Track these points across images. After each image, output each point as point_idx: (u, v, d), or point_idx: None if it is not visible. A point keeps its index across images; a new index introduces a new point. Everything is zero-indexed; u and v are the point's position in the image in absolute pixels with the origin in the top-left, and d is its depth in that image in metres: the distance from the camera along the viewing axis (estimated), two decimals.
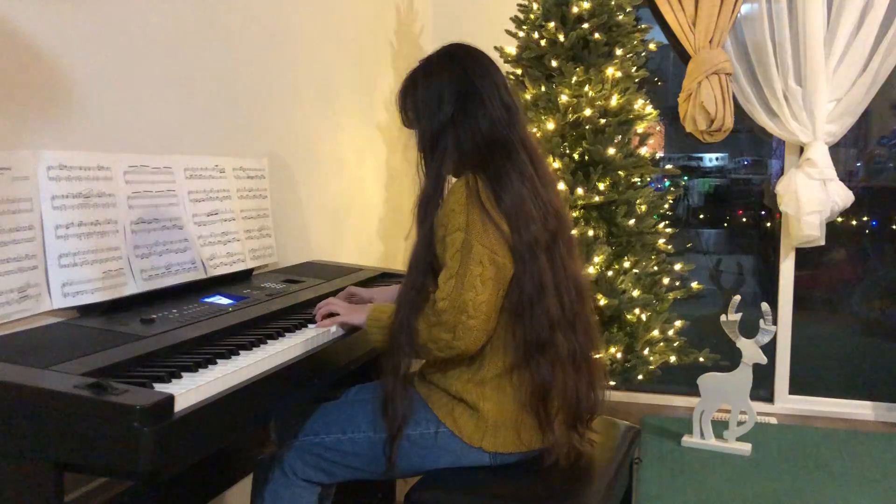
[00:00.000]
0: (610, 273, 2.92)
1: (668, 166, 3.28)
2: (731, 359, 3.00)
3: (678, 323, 3.11)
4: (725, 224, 4.05)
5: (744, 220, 4.00)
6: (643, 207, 3.02)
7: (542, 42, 2.99)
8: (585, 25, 2.92)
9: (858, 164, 3.73)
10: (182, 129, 1.93)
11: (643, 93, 3.04)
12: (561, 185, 2.88)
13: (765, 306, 2.89)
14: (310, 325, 1.64)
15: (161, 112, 1.85)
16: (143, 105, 1.79)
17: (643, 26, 3.07)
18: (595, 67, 2.95)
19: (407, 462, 1.55)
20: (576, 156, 3.01)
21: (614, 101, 2.94)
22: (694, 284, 3.15)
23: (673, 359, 3.03)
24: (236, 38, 2.16)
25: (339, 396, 1.73)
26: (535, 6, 3.03)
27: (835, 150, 3.32)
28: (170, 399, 1.07)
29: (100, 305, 1.52)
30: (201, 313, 1.57)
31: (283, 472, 1.63)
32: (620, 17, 2.96)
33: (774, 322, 3.00)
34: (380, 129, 3.18)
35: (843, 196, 3.25)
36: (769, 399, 3.58)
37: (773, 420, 3.42)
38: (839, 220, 3.44)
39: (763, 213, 3.89)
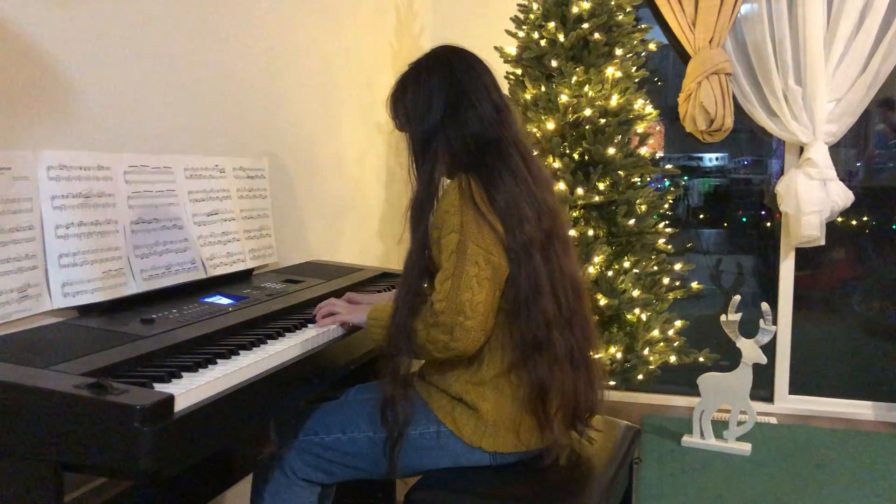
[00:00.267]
0: (610, 273, 2.92)
1: (668, 166, 3.28)
2: (731, 359, 3.00)
3: (678, 323, 3.11)
4: (725, 224, 4.05)
5: (744, 220, 4.00)
6: (643, 207, 3.02)
7: (542, 42, 2.99)
8: (585, 25, 2.92)
9: (858, 164, 3.73)
10: (182, 129, 1.93)
11: (643, 93, 3.04)
12: (561, 185, 2.88)
13: (765, 306, 2.89)
14: (310, 325, 1.64)
15: (161, 112, 1.85)
16: (143, 105, 1.79)
17: (643, 26, 3.07)
18: (595, 67, 2.95)
19: (407, 462, 1.55)
20: (576, 156, 3.01)
21: (614, 101, 2.94)
22: (694, 284, 3.15)
23: (673, 359, 3.03)
24: (236, 39, 2.16)
25: (338, 396, 1.73)
26: (535, 6, 3.03)
27: (835, 150, 3.32)
28: (170, 399, 1.07)
29: (100, 305, 1.52)
30: (201, 313, 1.57)
31: (283, 472, 1.63)
32: (620, 17, 2.96)
33: (774, 322, 3.00)
34: (380, 129, 3.18)
35: (843, 196, 3.25)
36: (769, 399, 3.59)
37: (773, 420, 3.42)
38: (839, 220, 3.44)
39: (763, 213, 3.89)
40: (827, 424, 3.38)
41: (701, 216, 4.05)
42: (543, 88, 2.99)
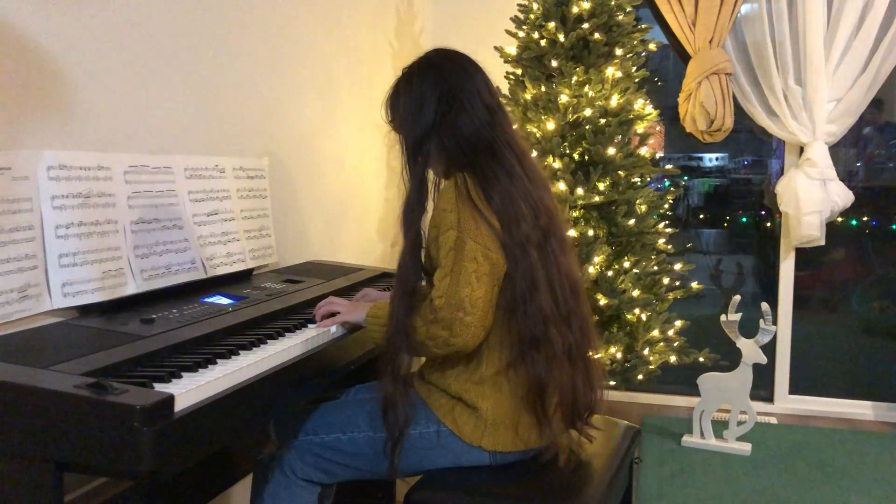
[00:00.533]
0: (610, 273, 2.91)
1: (668, 166, 3.28)
2: (731, 359, 3.00)
3: (678, 323, 3.10)
4: (725, 224, 4.05)
5: (744, 220, 4.00)
6: (643, 207, 3.02)
7: (542, 42, 2.99)
8: (585, 25, 2.92)
9: (858, 164, 3.73)
10: (182, 129, 1.93)
11: (643, 93, 3.04)
12: (561, 185, 2.88)
13: (765, 306, 2.89)
14: (310, 325, 1.64)
15: (161, 112, 1.85)
16: (143, 105, 1.79)
17: (643, 26, 3.07)
18: (595, 67, 2.95)
19: (407, 462, 1.55)
20: (576, 156, 3.01)
21: (614, 101, 2.94)
22: (694, 284, 3.15)
23: (673, 359, 3.03)
24: (236, 38, 2.16)
25: (339, 396, 1.73)
26: (535, 6, 3.03)
27: (835, 150, 3.32)
28: (170, 399, 1.07)
29: (100, 305, 1.52)
30: (201, 313, 1.57)
31: (283, 472, 1.63)
32: (620, 17, 2.96)
33: (774, 322, 3.00)
34: (380, 129, 3.17)
35: (843, 196, 3.25)
36: (769, 399, 3.58)
37: (773, 420, 3.42)
38: (839, 220, 3.44)
39: (763, 213, 3.89)
40: (827, 424, 3.37)
41: (701, 216, 4.05)
42: (543, 88, 2.99)
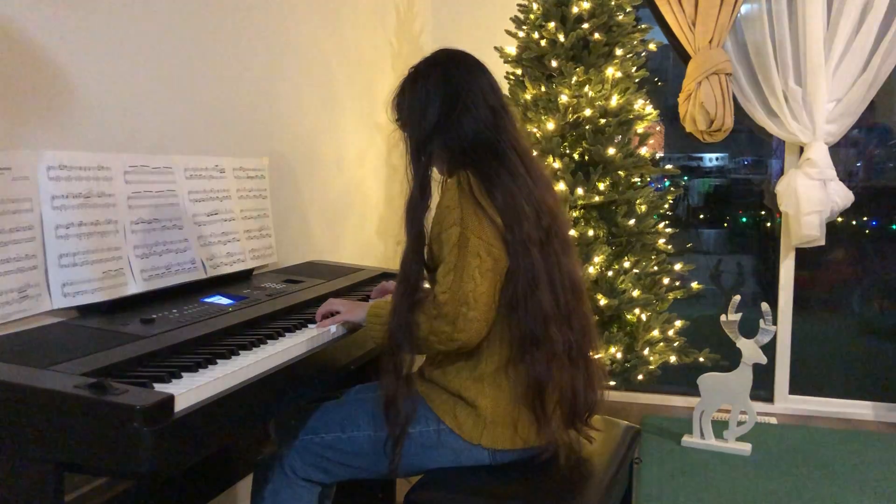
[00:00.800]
0: (610, 273, 2.92)
1: (668, 166, 3.28)
2: (731, 359, 3.00)
3: (678, 323, 3.10)
4: (725, 224, 4.05)
5: (744, 220, 4.00)
6: (643, 207, 3.02)
7: (542, 42, 2.99)
8: (585, 25, 2.92)
9: (858, 165, 3.73)
10: (182, 129, 1.93)
11: (643, 93, 3.04)
12: (561, 185, 2.88)
13: (765, 306, 2.89)
14: (310, 325, 1.64)
15: (161, 112, 1.85)
16: (143, 105, 1.79)
17: (643, 26, 3.07)
18: (595, 67, 2.95)
19: (407, 461, 1.55)
20: (576, 156, 3.01)
21: (614, 101, 2.94)
22: (694, 284, 3.15)
23: (673, 359, 3.03)
24: (236, 38, 2.16)
25: (339, 396, 1.73)
26: (535, 6, 3.03)
27: (835, 150, 3.32)
28: (170, 399, 1.07)
29: (100, 305, 1.52)
30: (201, 313, 1.57)
31: (284, 472, 1.64)
32: (620, 17, 2.96)
33: (774, 322, 3.00)
34: (380, 129, 3.18)
35: (843, 196, 3.25)
36: (769, 399, 3.58)
37: (773, 420, 3.42)
38: (839, 220, 3.44)
39: (763, 213, 3.89)
40: (827, 424, 3.38)
41: (701, 216, 4.05)
42: (543, 88, 2.99)
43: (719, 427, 3.06)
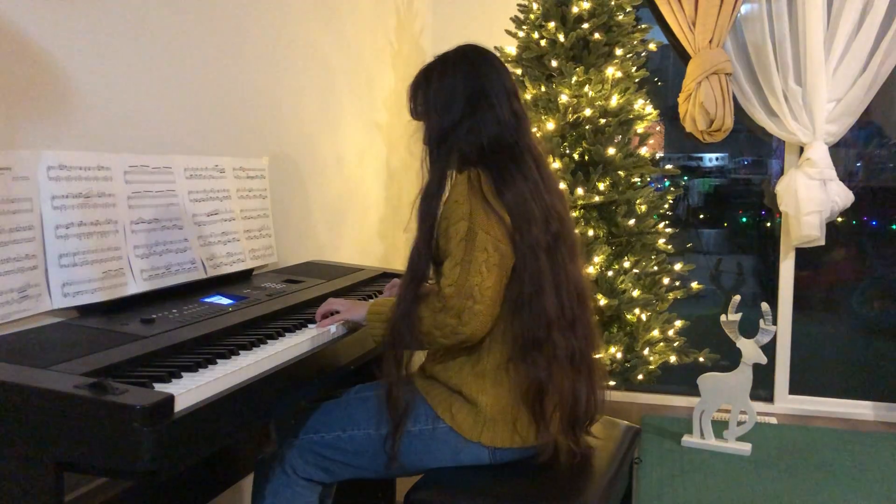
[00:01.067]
0: (610, 273, 2.92)
1: (668, 166, 3.28)
2: (731, 359, 3.00)
3: (678, 323, 3.11)
4: (725, 224, 4.05)
5: (744, 220, 4.00)
6: (643, 207, 3.02)
7: (542, 42, 2.99)
8: (585, 25, 2.92)
9: (858, 165, 3.73)
10: (182, 129, 1.93)
11: (643, 93, 3.04)
12: (561, 185, 2.88)
13: (765, 306, 2.89)
14: (310, 325, 1.64)
15: (161, 112, 1.85)
16: (143, 105, 1.79)
17: (643, 26, 3.07)
18: (595, 67, 2.95)
19: (406, 459, 1.55)
20: (576, 156, 3.01)
21: (614, 101, 2.94)
22: (694, 284, 3.15)
23: (673, 359, 3.03)
24: (236, 38, 2.16)
25: (339, 395, 1.73)
26: (535, 6, 3.03)
27: (835, 150, 3.32)
28: (170, 399, 1.07)
29: (100, 305, 1.52)
30: (201, 313, 1.57)
31: (284, 471, 1.64)
32: (620, 17, 2.96)
33: (774, 322, 3.00)
34: (380, 129, 3.18)
35: (843, 196, 3.25)
36: (769, 399, 3.58)
37: (773, 420, 3.42)
38: (839, 220, 3.44)
39: (763, 213, 3.89)
40: (827, 424, 3.38)
41: (701, 216, 4.05)
42: (543, 88, 2.99)
43: (719, 427, 3.06)
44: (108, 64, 1.67)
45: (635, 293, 2.92)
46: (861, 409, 3.49)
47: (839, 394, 3.56)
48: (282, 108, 2.41)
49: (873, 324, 3.82)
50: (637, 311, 2.96)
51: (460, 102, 1.53)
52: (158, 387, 1.16)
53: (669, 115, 3.57)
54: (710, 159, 4.01)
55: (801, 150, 3.32)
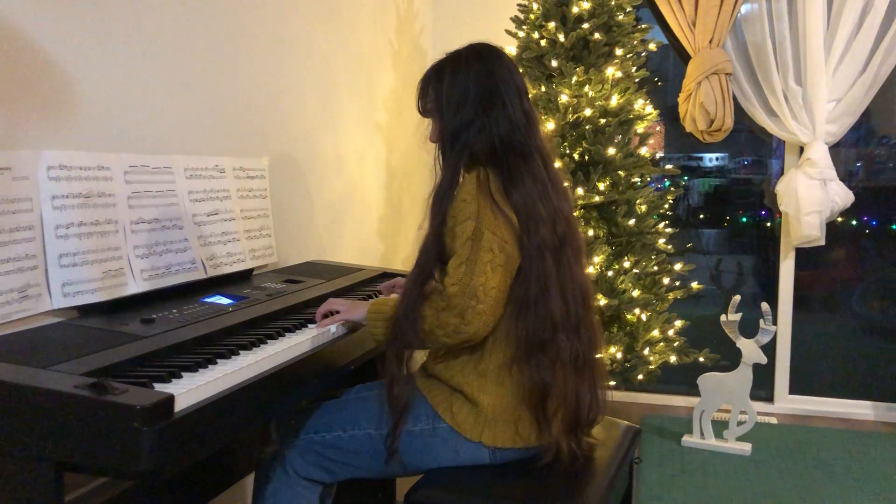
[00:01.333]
0: (610, 273, 2.92)
1: (668, 166, 3.28)
2: (731, 359, 3.00)
3: (678, 323, 3.11)
4: (725, 224, 4.05)
5: (744, 220, 4.00)
6: (643, 207, 3.02)
7: (542, 42, 2.99)
8: (585, 25, 2.92)
9: (858, 165, 3.73)
10: (182, 129, 1.93)
11: (643, 93, 3.04)
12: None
13: (765, 306, 2.89)
14: (310, 325, 1.64)
15: (161, 112, 1.85)
16: (143, 105, 1.79)
17: (643, 26, 3.07)
18: (595, 67, 2.95)
19: (407, 458, 1.55)
20: (576, 156, 3.01)
21: (614, 101, 2.94)
22: (694, 284, 3.15)
23: (673, 359, 3.03)
24: (236, 38, 2.15)
25: (339, 395, 1.73)
26: (535, 6, 3.03)
27: (835, 150, 3.32)
28: (170, 399, 1.07)
29: (100, 305, 1.52)
30: (201, 313, 1.57)
31: (285, 471, 1.64)
32: (620, 17, 2.96)
33: (774, 322, 3.00)
34: (380, 129, 3.18)
35: (843, 196, 3.25)
36: (769, 399, 3.58)
37: (773, 420, 3.42)
38: (839, 220, 3.44)
39: (763, 213, 3.89)
40: (827, 424, 3.38)
41: (701, 216, 4.05)
42: (543, 88, 2.99)
43: (719, 427, 3.06)
44: (108, 64, 1.67)
45: (635, 293, 2.92)
46: (861, 409, 3.49)
47: (839, 394, 3.56)
48: (282, 109, 2.41)
49: (873, 324, 3.82)
50: (637, 311, 2.96)
51: (474, 101, 1.53)
52: (158, 387, 1.16)
53: (669, 115, 3.57)
54: (710, 159, 4.01)
55: (801, 150, 3.32)
